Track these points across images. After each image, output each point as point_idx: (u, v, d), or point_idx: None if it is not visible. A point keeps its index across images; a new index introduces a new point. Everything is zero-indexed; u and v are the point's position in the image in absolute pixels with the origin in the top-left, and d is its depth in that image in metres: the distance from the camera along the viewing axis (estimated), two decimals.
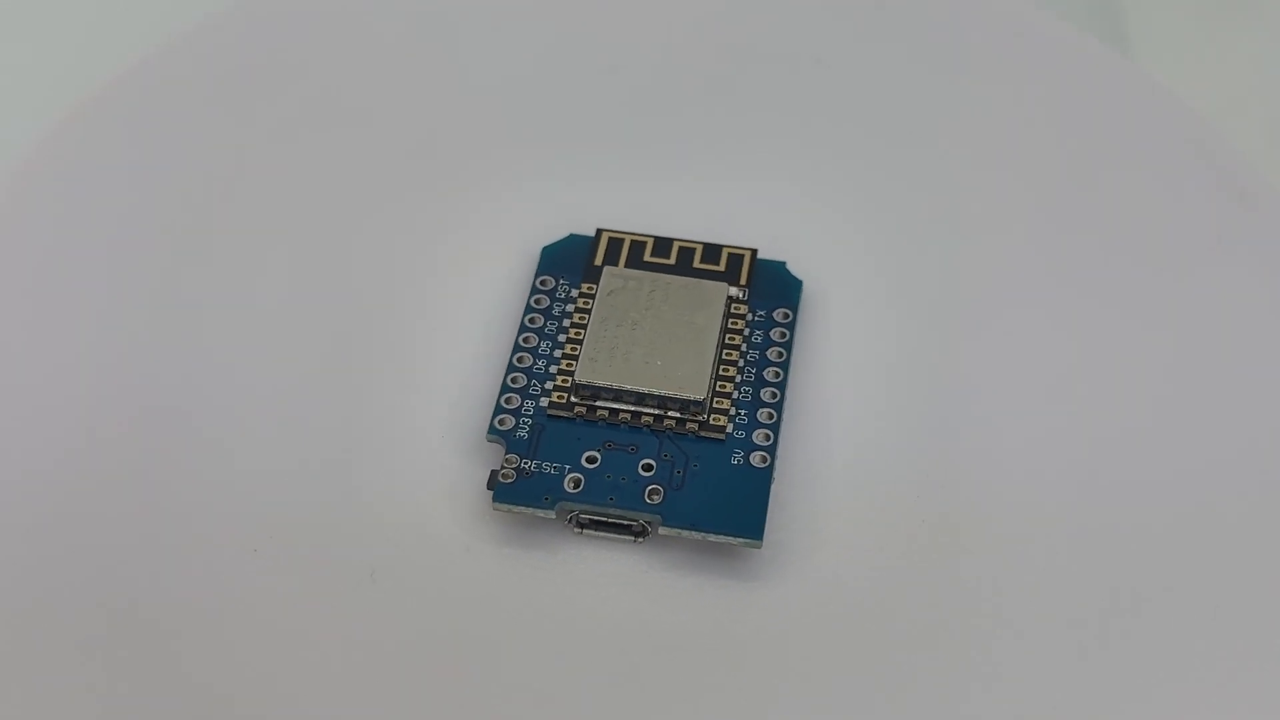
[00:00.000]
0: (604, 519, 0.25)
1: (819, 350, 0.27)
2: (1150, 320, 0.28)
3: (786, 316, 0.27)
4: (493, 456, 0.26)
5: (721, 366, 0.26)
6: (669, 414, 0.26)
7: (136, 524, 0.25)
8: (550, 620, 0.24)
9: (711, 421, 0.26)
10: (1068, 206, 0.30)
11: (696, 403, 0.25)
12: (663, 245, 0.28)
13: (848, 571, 0.25)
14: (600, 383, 0.26)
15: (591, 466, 0.25)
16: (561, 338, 0.27)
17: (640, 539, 0.25)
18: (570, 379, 0.26)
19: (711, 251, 0.28)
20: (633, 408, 0.26)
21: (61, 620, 0.24)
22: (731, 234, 0.29)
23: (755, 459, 0.25)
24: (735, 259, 0.28)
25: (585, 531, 0.25)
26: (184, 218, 0.29)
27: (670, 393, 0.25)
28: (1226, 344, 0.28)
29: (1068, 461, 0.26)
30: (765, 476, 0.25)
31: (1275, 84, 0.35)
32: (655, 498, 0.25)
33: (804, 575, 0.25)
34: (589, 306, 0.27)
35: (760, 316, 0.27)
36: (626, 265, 0.28)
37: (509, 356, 0.27)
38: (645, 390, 0.26)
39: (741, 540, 0.24)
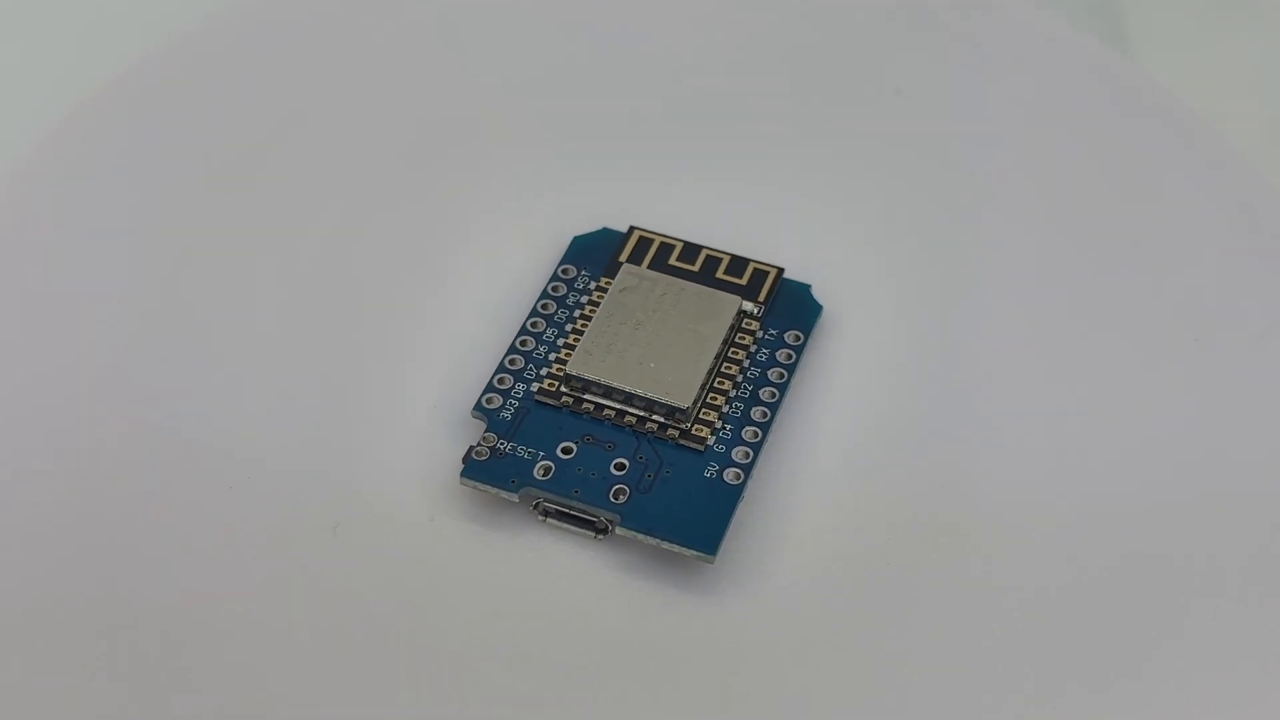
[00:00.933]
0: (566, 510, 0.25)
1: (827, 377, 0.27)
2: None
3: (798, 339, 0.27)
4: (476, 433, 0.26)
5: (717, 379, 0.26)
6: (653, 417, 0.26)
7: (124, 492, 0.25)
8: (496, 601, 0.24)
9: (693, 431, 0.25)
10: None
11: (681, 410, 0.25)
12: (690, 251, 0.28)
13: (800, 598, 0.24)
14: (590, 376, 0.26)
15: (566, 457, 0.25)
16: (568, 327, 0.27)
17: (601, 536, 0.25)
18: (563, 368, 0.26)
19: (737, 264, 0.28)
20: (619, 406, 0.26)
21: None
22: (769, 250, 0.29)
23: (729, 475, 0.25)
24: (760, 275, 0.28)
25: (549, 520, 0.25)
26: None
27: (656, 396, 0.25)
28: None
29: (1081, 510, 0.25)
30: (734, 494, 0.25)
31: (1275, 84, 0.35)
32: (620, 498, 0.25)
33: (756, 596, 0.24)
34: (601, 300, 0.27)
35: (771, 335, 0.27)
36: (649, 266, 0.28)
37: (515, 337, 0.27)
38: (632, 390, 0.26)
39: (694, 553, 0.24)
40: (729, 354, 0.26)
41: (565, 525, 0.25)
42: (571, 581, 0.25)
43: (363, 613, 0.24)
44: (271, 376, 0.27)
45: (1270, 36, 0.35)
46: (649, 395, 0.25)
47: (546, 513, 0.25)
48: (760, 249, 0.29)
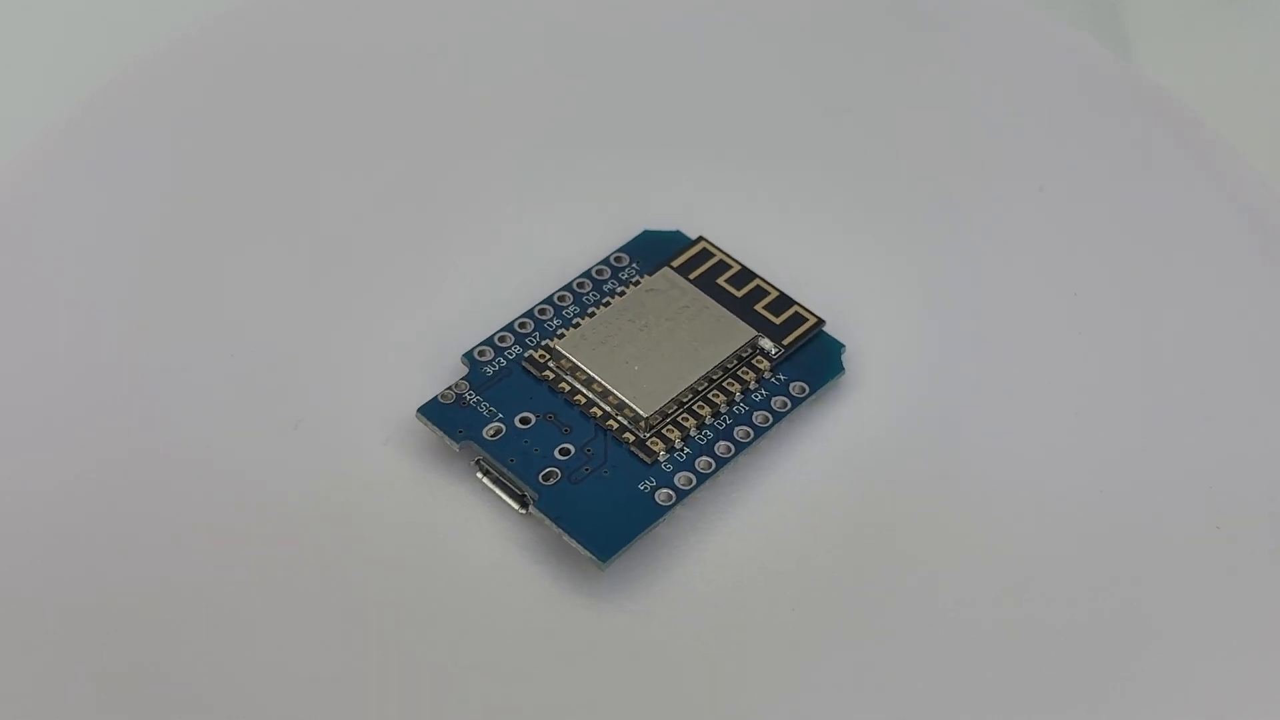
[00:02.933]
0: (498, 475, 0.25)
1: (815, 437, 0.26)
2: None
3: (802, 391, 0.26)
4: (458, 378, 0.26)
5: (698, 403, 0.26)
6: (617, 417, 0.26)
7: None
8: (405, 537, 0.25)
9: (648, 443, 0.25)
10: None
11: (642, 418, 0.25)
12: (743, 276, 0.28)
13: (682, 630, 0.24)
14: (574, 359, 0.26)
15: (521, 427, 0.26)
16: (590, 310, 0.27)
17: (524, 511, 0.25)
18: (557, 344, 0.26)
19: (782, 303, 0.27)
20: (591, 396, 0.26)
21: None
22: (832, 301, 0.28)
23: (661, 495, 0.25)
24: (797, 319, 0.27)
25: (485, 480, 0.25)
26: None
27: (624, 398, 0.25)
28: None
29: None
30: (656, 513, 0.25)
31: (1275, 84, 0.34)
32: (549, 480, 0.25)
33: (643, 616, 0.24)
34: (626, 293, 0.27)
35: (778, 380, 0.27)
36: (695, 278, 0.28)
37: (534, 305, 0.27)
38: (607, 386, 0.26)
39: (589, 554, 0.24)
40: (724, 383, 0.26)
41: (496, 489, 0.25)
42: (481, 543, 0.25)
43: (283, 510, 0.25)
44: (300, 282, 0.28)
45: (1270, 36, 0.35)
46: (618, 394, 0.25)
47: (485, 472, 0.25)
48: (821, 297, 0.28)
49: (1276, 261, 0.29)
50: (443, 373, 0.27)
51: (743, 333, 0.27)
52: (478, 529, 0.25)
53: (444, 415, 0.26)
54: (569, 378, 0.26)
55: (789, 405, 0.26)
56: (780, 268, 0.28)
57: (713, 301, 0.27)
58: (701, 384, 0.26)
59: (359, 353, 0.27)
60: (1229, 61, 0.34)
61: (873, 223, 0.30)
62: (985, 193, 0.30)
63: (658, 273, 0.27)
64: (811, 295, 0.28)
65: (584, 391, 0.26)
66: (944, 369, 0.27)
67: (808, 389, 0.26)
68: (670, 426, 0.26)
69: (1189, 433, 0.27)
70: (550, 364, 0.26)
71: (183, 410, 0.26)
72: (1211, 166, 0.30)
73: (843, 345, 0.27)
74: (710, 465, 0.25)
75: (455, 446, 0.25)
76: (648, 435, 0.25)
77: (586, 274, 0.28)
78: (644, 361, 0.26)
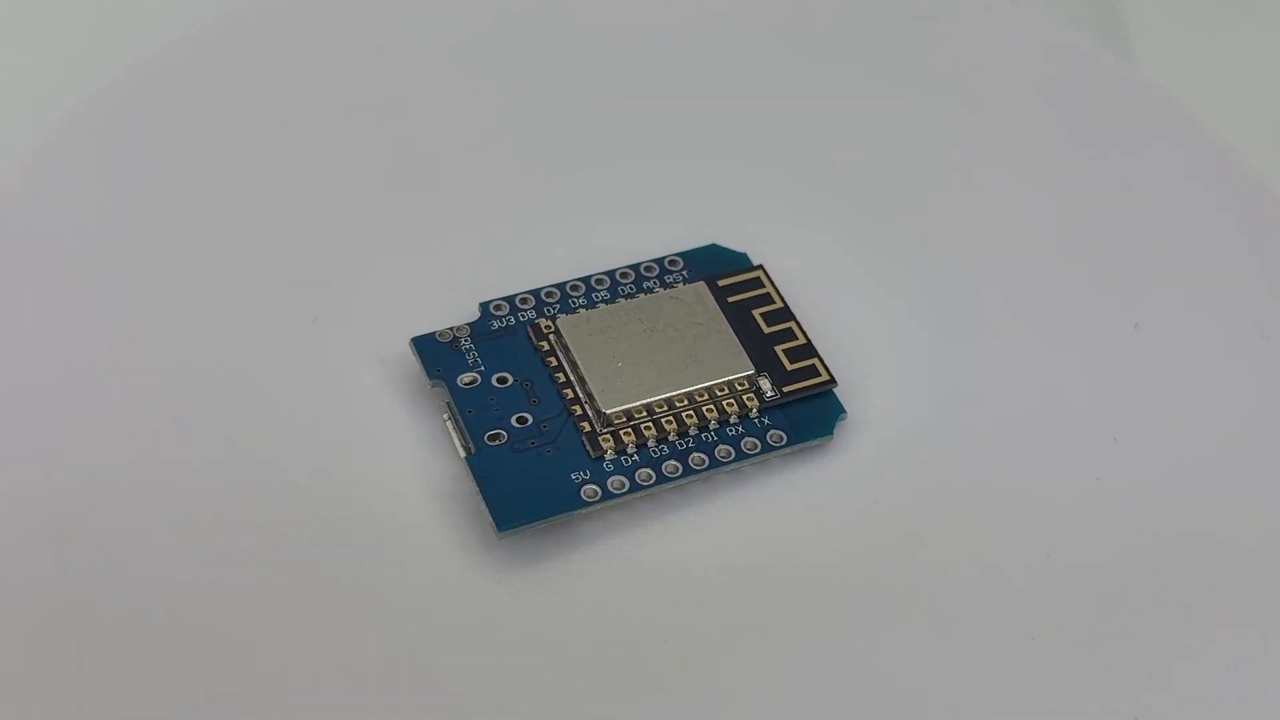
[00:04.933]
0: (455, 422, 0.26)
1: (777, 489, 0.26)
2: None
3: (778, 440, 0.26)
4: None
5: (667, 417, 0.26)
6: (584, 405, 0.26)
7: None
8: (344, 446, 0.26)
9: (599, 438, 0.26)
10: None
11: (601, 412, 0.26)
12: (779, 315, 0.28)
13: (550, 623, 0.24)
14: (567, 338, 0.26)
15: (497, 385, 0.26)
16: (618, 300, 0.28)
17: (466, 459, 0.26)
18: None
19: (803, 352, 0.27)
20: (570, 377, 0.26)
21: None
22: (862, 366, 0.28)
23: (587, 491, 0.25)
24: (808, 372, 0.27)
25: (449, 423, 0.26)
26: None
27: (594, 388, 0.26)
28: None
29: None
30: (575, 505, 0.25)
31: (1275, 84, 0.34)
32: (493, 441, 0.25)
33: (533, 604, 0.25)
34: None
35: (762, 423, 0.26)
36: (728, 303, 0.27)
37: (569, 280, 0.28)
38: (584, 372, 0.26)
39: (493, 521, 0.25)
40: (704, 408, 0.26)
41: (452, 432, 0.26)
42: (412, 481, 0.26)
43: (264, 388, 0.27)
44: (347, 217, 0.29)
45: (1270, 37, 0.34)
46: (590, 383, 0.26)
47: (451, 416, 0.26)
48: (854, 362, 0.27)
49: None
50: (459, 314, 0.28)
51: (741, 366, 0.26)
52: (417, 468, 0.26)
53: (432, 351, 0.27)
54: (559, 354, 0.27)
55: (758, 448, 0.26)
56: (829, 322, 0.28)
57: (728, 327, 0.27)
58: (681, 400, 0.26)
59: (395, 274, 0.28)
60: (1229, 61, 0.34)
61: (939, 308, 0.29)
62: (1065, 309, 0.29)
63: (691, 284, 0.28)
64: (844, 357, 0.27)
65: (566, 371, 0.26)
66: (939, 473, 0.26)
67: (785, 440, 0.26)
68: (628, 430, 0.26)
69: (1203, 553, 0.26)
70: (550, 336, 0.27)
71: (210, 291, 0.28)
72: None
73: (844, 412, 0.27)
74: (650, 478, 0.25)
75: (429, 384, 0.26)
76: (601, 431, 0.26)
77: (634, 266, 0.28)
78: (630, 361, 0.26)
